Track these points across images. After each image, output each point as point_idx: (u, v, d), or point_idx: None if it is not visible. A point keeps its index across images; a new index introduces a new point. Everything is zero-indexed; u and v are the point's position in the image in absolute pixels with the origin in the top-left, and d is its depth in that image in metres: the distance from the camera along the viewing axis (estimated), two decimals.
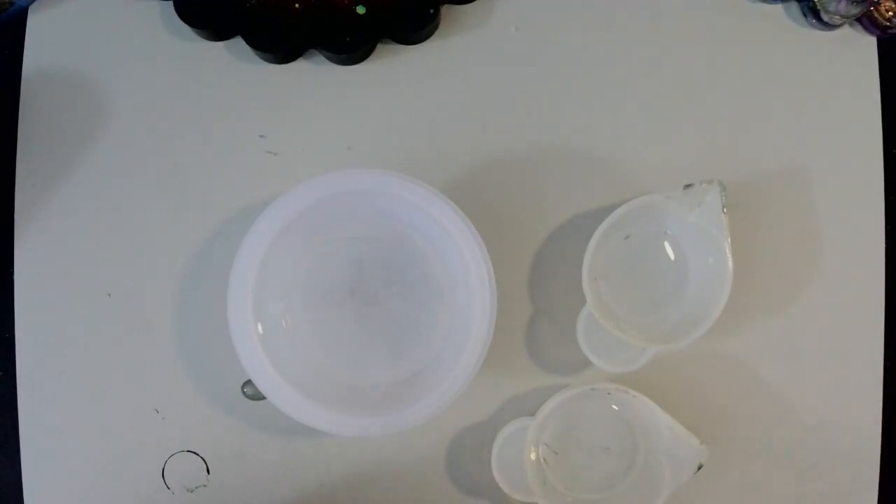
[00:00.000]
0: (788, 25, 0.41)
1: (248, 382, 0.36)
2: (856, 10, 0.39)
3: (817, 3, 0.39)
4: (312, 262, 0.37)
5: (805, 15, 0.40)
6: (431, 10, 0.38)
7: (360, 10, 0.38)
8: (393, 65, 0.40)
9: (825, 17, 0.39)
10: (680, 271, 0.38)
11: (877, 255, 0.40)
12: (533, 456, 0.37)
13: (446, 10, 0.40)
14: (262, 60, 0.39)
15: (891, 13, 0.40)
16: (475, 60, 0.40)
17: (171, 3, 0.38)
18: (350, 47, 0.38)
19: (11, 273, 0.39)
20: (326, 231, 0.37)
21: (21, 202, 0.39)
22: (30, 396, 0.38)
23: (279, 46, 0.38)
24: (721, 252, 0.35)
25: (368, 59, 0.40)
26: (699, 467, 0.35)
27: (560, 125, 0.40)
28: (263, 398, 0.34)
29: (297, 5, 0.38)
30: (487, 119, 0.40)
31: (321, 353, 0.37)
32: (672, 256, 0.38)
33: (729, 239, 0.35)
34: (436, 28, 0.40)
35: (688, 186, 0.36)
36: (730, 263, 0.35)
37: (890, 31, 0.40)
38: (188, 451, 0.39)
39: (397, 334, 0.37)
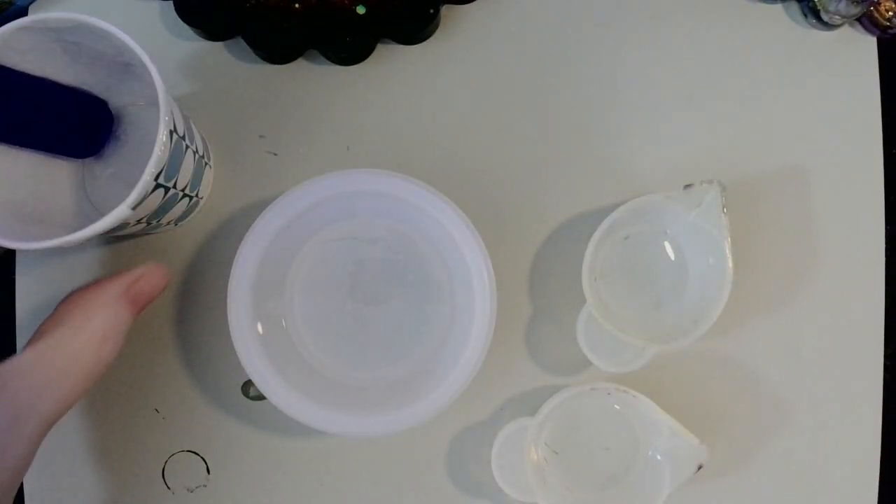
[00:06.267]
0: (788, 25, 0.41)
1: (248, 382, 0.36)
2: (856, 10, 0.39)
3: (817, 3, 0.39)
4: (312, 261, 0.37)
5: (805, 15, 0.41)
6: (431, 10, 0.38)
7: (360, 10, 0.38)
8: (393, 65, 0.40)
9: (825, 17, 0.39)
10: (680, 271, 0.38)
11: (877, 256, 0.40)
12: (533, 456, 0.37)
13: (446, 10, 0.40)
14: (262, 60, 0.39)
15: (891, 13, 0.40)
16: (475, 60, 0.40)
17: (171, 3, 0.38)
18: (350, 47, 0.38)
19: (12, 273, 0.39)
20: (326, 231, 0.37)
21: None
22: None
23: (279, 46, 0.38)
24: (721, 252, 0.35)
25: (368, 59, 0.40)
26: (699, 467, 0.35)
27: (560, 125, 0.40)
28: (263, 398, 0.34)
29: (297, 5, 0.38)
30: (487, 119, 0.40)
31: (321, 353, 0.37)
32: (672, 256, 0.38)
33: (729, 239, 0.35)
34: (436, 28, 0.40)
35: (688, 186, 0.36)
36: (730, 263, 0.35)
37: (890, 31, 0.40)
38: (188, 451, 0.39)
39: (397, 334, 0.37)
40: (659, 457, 0.37)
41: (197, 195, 0.36)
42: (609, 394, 0.37)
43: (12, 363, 0.26)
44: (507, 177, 0.39)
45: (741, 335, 0.39)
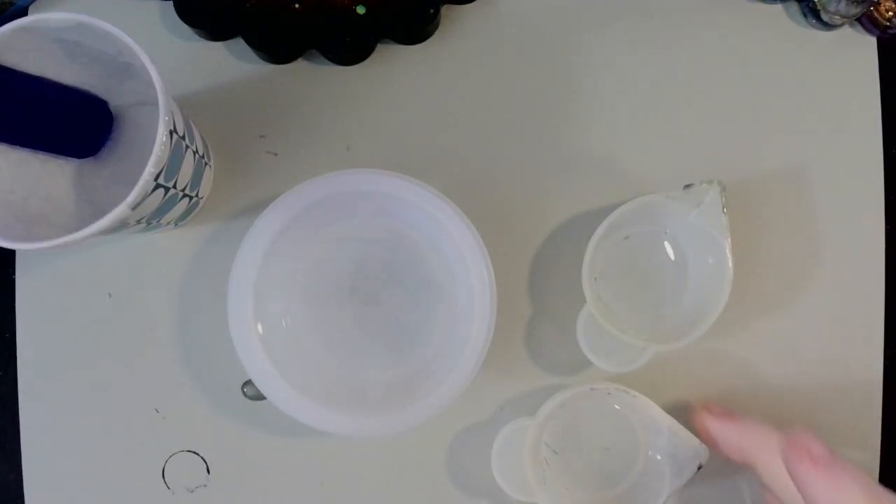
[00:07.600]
0: (788, 25, 0.41)
1: (248, 382, 0.36)
2: (856, 10, 0.39)
3: (817, 3, 0.39)
4: (312, 262, 0.37)
5: (805, 15, 0.40)
6: (431, 10, 0.38)
7: (360, 10, 0.38)
8: (393, 65, 0.40)
9: (825, 17, 0.39)
10: (680, 271, 0.38)
11: (877, 256, 0.40)
12: (533, 456, 0.37)
13: (446, 10, 0.40)
14: (262, 60, 0.39)
15: (891, 13, 0.40)
16: (475, 60, 0.40)
17: (171, 3, 0.38)
18: (350, 47, 0.38)
19: (12, 273, 0.39)
20: (326, 231, 0.37)
21: None
22: (30, 396, 0.38)
23: (279, 46, 0.38)
24: (721, 252, 0.35)
25: (368, 59, 0.40)
26: (699, 467, 0.35)
27: (560, 125, 0.40)
28: (263, 398, 0.34)
29: (296, 5, 0.38)
30: (487, 119, 0.40)
31: (321, 353, 0.37)
32: (672, 256, 0.38)
33: (729, 239, 0.35)
34: (436, 28, 0.40)
35: (688, 186, 0.36)
36: (730, 263, 0.35)
37: (890, 31, 0.40)
38: (188, 451, 0.39)
39: (397, 334, 0.37)
40: (659, 457, 0.37)
41: (197, 195, 0.36)
42: (609, 394, 0.37)
43: None
44: (507, 177, 0.39)
45: (741, 335, 0.39)
